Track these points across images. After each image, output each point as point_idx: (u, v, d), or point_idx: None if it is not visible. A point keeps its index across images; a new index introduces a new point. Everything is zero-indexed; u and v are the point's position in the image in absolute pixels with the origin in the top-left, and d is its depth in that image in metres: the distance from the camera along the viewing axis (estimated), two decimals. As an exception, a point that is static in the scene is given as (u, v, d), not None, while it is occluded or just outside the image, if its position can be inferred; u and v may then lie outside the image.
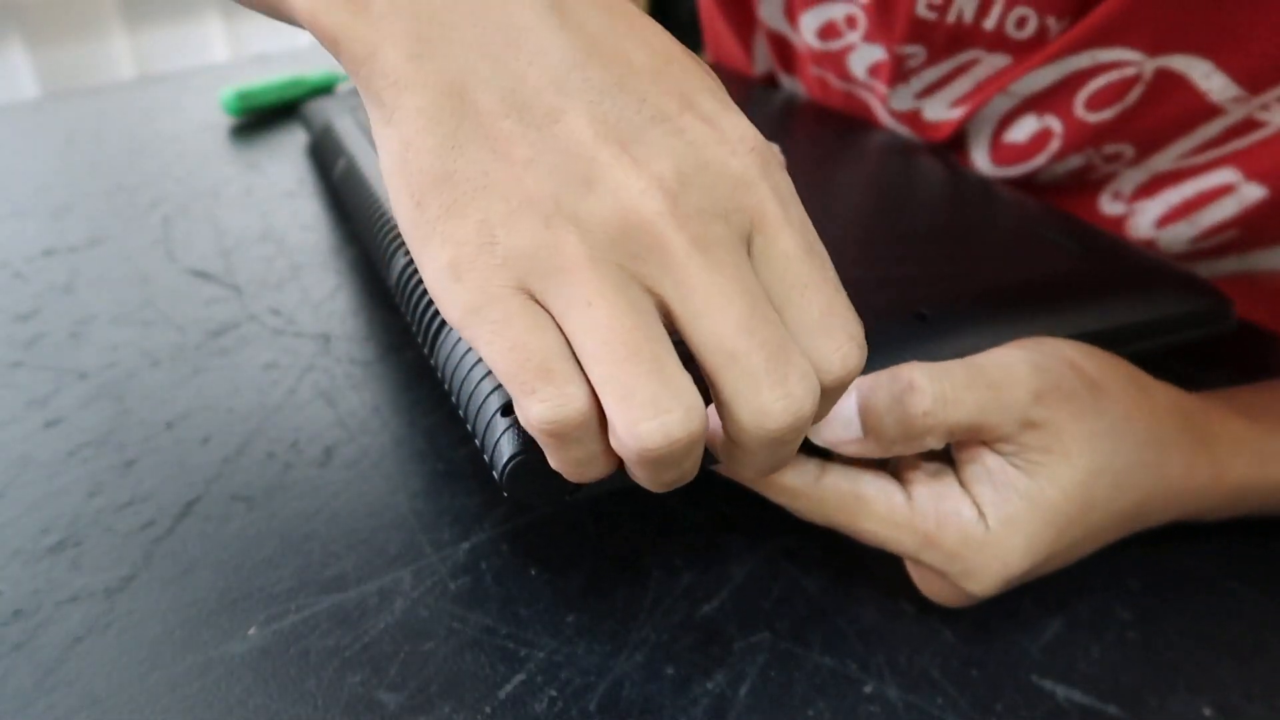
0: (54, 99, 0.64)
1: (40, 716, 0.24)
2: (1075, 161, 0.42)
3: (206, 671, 0.25)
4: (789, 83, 0.56)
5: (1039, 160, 0.43)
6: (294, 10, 0.22)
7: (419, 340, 0.31)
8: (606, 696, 0.26)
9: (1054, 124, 0.41)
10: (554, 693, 0.26)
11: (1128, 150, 0.40)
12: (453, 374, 0.28)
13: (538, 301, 0.20)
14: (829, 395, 0.21)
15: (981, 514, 0.26)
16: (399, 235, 0.36)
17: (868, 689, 0.26)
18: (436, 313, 0.30)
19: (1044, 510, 0.26)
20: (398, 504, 0.31)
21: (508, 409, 0.25)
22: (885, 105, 0.47)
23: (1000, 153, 0.44)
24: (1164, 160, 0.40)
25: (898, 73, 0.44)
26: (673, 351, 0.20)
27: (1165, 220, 0.41)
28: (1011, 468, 0.26)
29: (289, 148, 0.57)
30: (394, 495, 0.31)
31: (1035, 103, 0.41)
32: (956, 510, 0.26)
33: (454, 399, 0.28)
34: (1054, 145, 0.42)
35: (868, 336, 0.24)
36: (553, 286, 0.20)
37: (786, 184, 0.21)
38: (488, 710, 0.25)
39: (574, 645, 0.27)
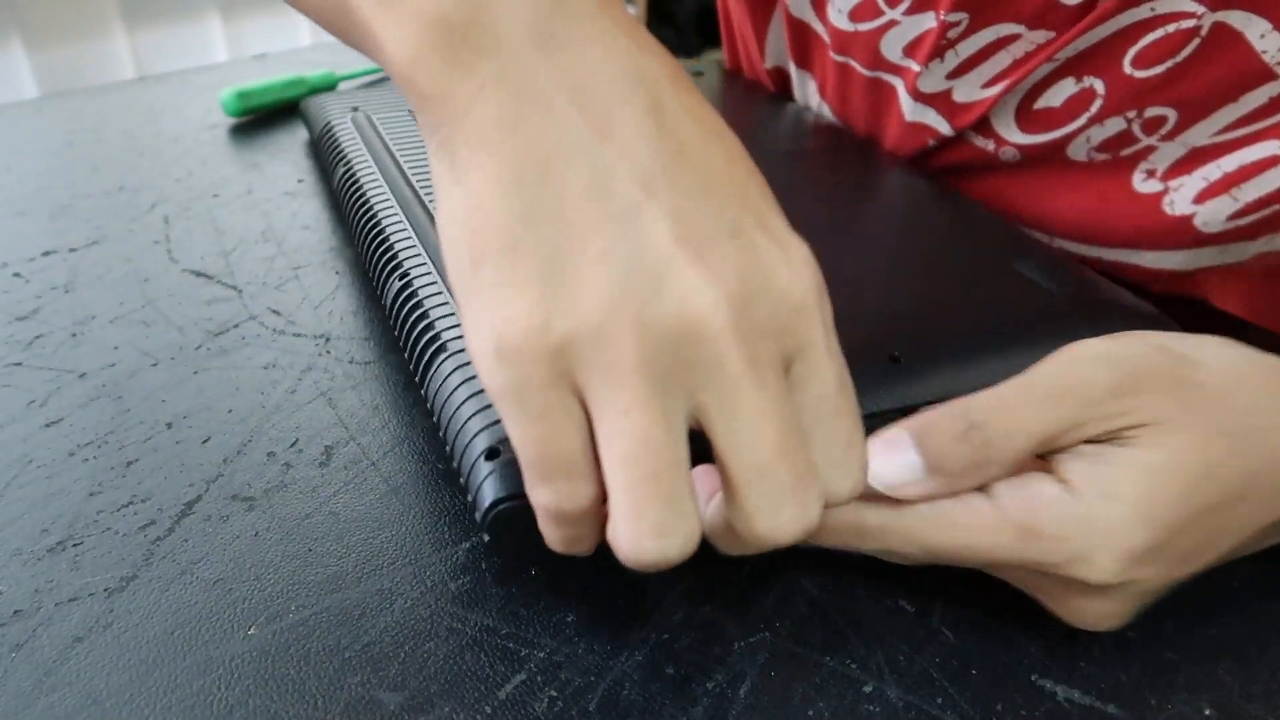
0: (54, 99, 0.64)
1: (40, 716, 0.24)
2: (1113, 126, 0.41)
3: (206, 671, 0.25)
4: (800, 77, 0.56)
5: (1075, 124, 0.42)
6: (383, 52, 0.22)
7: (410, 367, 0.31)
8: (606, 696, 0.26)
9: (1096, 84, 0.40)
10: (554, 693, 0.26)
11: (1170, 115, 0.39)
12: (442, 408, 0.28)
13: (577, 386, 0.20)
14: (835, 509, 0.23)
15: (1074, 488, 0.24)
16: (394, 258, 0.36)
17: (868, 689, 0.26)
18: (429, 343, 0.30)
19: (1149, 473, 0.24)
20: (398, 504, 0.31)
21: (493, 453, 0.25)
22: (913, 91, 0.47)
23: (1031, 120, 0.44)
24: (1202, 133, 0.39)
25: (937, 45, 0.44)
26: (688, 475, 0.20)
27: (1204, 195, 0.40)
28: (1105, 445, 0.24)
29: (289, 148, 0.57)
30: (394, 495, 0.31)
31: (1077, 64, 0.40)
32: (1042, 491, 0.24)
33: (441, 433, 0.28)
34: (1095, 106, 0.41)
35: None
36: (597, 383, 0.20)
37: (830, 312, 0.22)
38: (488, 710, 0.25)
39: (574, 645, 0.27)
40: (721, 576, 0.29)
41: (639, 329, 0.19)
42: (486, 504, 0.25)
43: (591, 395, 0.20)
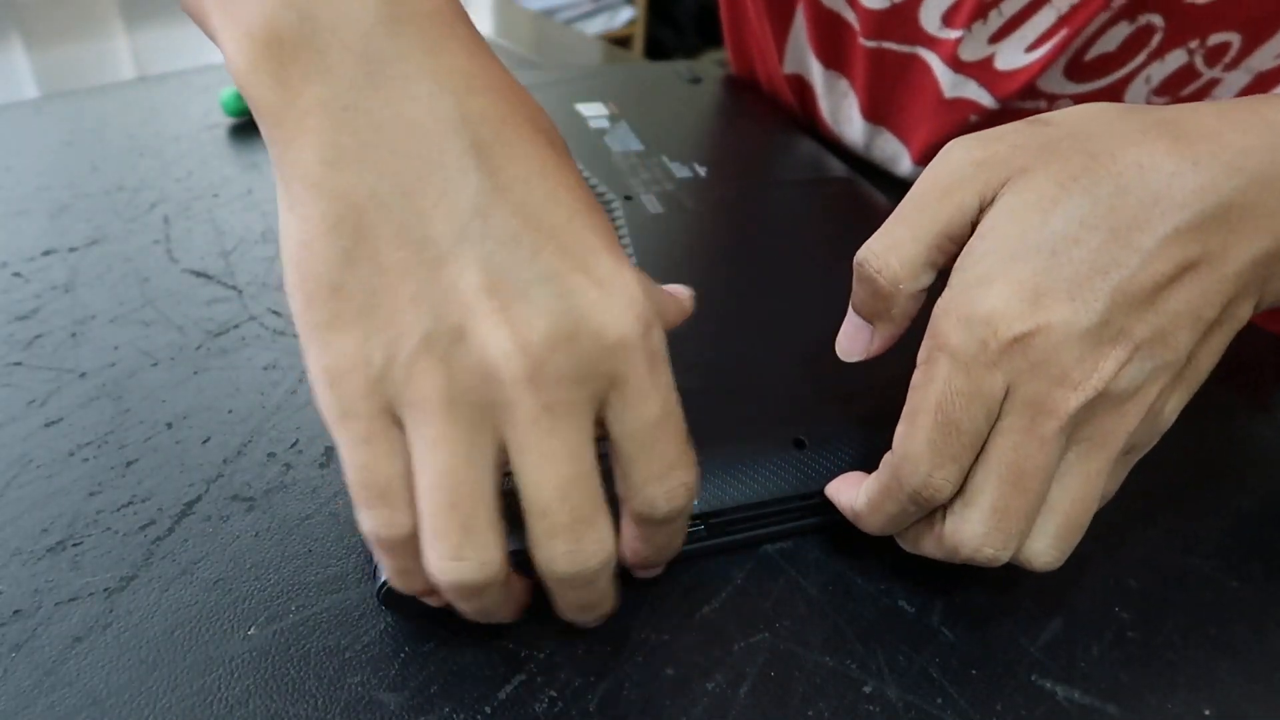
0: (54, 99, 0.64)
1: (40, 716, 0.24)
2: (1174, 61, 0.40)
3: (206, 671, 0.25)
4: (826, 80, 0.55)
5: (1133, 64, 0.41)
6: (226, 57, 0.22)
7: None
8: (606, 696, 0.26)
9: (1154, 19, 0.40)
10: (554, 693, 0.26)
11: (1234, 40, 0.39)
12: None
13: (399, 420, 0.22)
14: (665, 525, 0.24)
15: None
16: None
17: (868, 689, 0.26)
18: None
19: (1007, 219, 0.24)
20: (398, 504, 0.31)
21: None
22: (952, 61, 0.46)
23: (1083, 70, 0.42)
24: (1267, 55, 0.38)
25: (979, 7, 0.43)
26: (490, 504, 0.22)
27: None
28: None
29: (289, 148, 0.57)
30: (394, 495, 0.31)
31: (1133, 7, 0.39)
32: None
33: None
34: (1155, 40, 0.40)
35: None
36: (411, 415, 0.21)
37: (660, 344, 0.23)
38: (488, 710, 0.25)
39: (574, 645, 0.27)
40: (722, 576, 0.29)
41: (445, 369, 0.21)
42: (383, 578, 0.26)
43: (407, 428, 0.22)
